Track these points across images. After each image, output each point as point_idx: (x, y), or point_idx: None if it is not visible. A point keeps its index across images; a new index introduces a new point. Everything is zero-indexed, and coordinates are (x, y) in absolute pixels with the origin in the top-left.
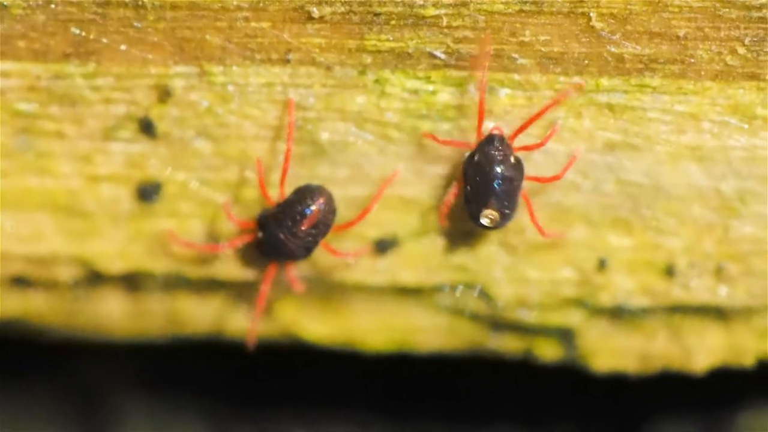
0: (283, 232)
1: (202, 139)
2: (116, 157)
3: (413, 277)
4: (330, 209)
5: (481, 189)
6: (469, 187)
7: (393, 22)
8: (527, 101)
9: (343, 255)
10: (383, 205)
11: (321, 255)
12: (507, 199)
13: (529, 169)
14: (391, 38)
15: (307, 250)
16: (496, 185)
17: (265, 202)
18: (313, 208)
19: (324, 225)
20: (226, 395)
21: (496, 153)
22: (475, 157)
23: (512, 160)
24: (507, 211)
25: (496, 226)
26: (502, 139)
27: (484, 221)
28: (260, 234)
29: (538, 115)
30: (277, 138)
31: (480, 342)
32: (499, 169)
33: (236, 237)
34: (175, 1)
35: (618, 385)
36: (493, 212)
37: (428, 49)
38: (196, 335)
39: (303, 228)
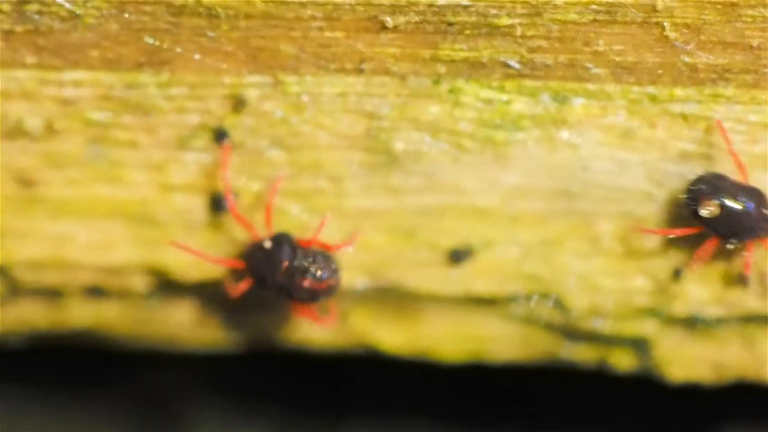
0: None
1: (276, 148)
2: (190, 167)
3: (487, 287)
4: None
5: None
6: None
7: (467, 31)
8: (601, 111)
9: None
10: (457, 214)
11: (391, 269)
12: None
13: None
14: (465, 48)
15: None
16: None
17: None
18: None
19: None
20: (296, 404)
21: None
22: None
23: None
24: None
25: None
26: None
27: (704, 212)
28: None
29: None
30: (351, 147)
31: (554, 352)
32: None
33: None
34: (249, 10)
35: (692, 394)
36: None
37: (502, 59)
38: (269, 345)
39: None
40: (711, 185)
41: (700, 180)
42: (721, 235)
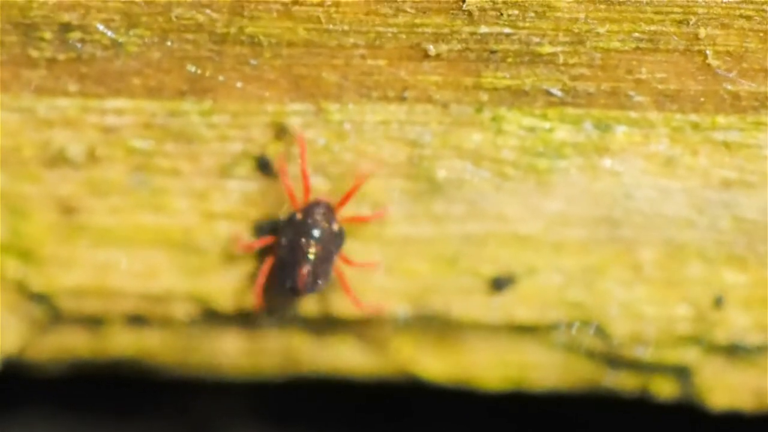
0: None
1: (319, 176)
2: (232, 195)
3: (529, 314)
4: None
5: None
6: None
7: (509, 59)
8: (644, 138)
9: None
10: (500, 242)
11: (434, 297)
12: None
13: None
14: (508, 76)
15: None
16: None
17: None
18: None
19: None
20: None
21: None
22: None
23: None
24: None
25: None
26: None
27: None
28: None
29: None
30: (393, 175)
31: (596, 380)
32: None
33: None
34: (292, 38)
35: (734, 421)
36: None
37: (545, 87)
38: (312, 373)
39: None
40: None
41: None
42: None
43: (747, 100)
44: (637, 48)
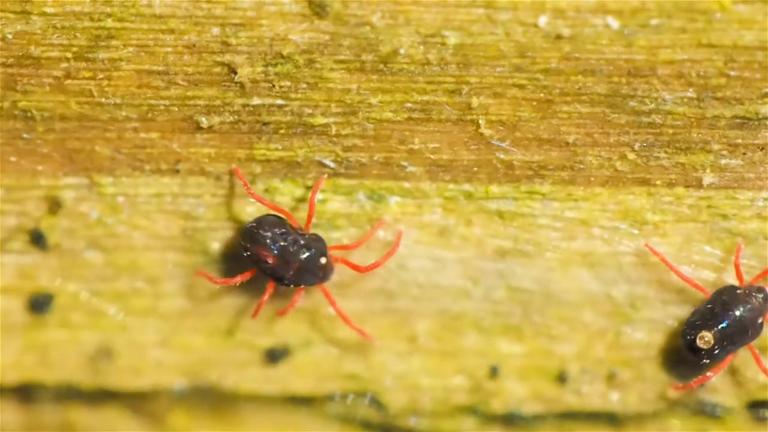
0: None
1: (93, 249)
2: (7, 269)
3: (304, 385)
4: None
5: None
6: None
7: (282, 131)
8: (417, 209)
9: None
10: (274, 314)
11: (209, 369)
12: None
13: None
14: (280, 147)
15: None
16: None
17: None
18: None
19: None
20: None
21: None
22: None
23: None
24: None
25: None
26: None
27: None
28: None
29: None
30: (168, 248)
31: None
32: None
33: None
34: (65, 112)
35: None
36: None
37: (317, 158)
38: None
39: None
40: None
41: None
42: None
43: (520, 169)
44: (410, 118)
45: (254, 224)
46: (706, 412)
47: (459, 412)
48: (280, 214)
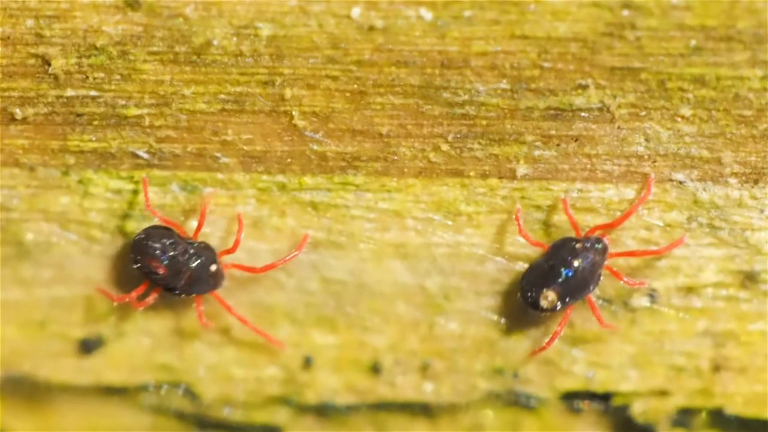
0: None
1: None
2: None
3: (118, 376)
4: None
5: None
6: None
7: (95, 122)
8: (230, 200)
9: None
10: (87, 305)
11: (23, 360)
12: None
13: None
14: (94, 138)
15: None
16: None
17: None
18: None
19: None
20: None
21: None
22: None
23: None
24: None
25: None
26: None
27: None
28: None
29: (629, 214)
30: None
31: None
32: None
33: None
34: None
35: None
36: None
37: (131, 149)
38: None
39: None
40: None
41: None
42: None
43: (334, 160)
44: (223, 109)
45: (143, 236)
46: (520, 403)
47: (272, 403)
48: (167, 225)
